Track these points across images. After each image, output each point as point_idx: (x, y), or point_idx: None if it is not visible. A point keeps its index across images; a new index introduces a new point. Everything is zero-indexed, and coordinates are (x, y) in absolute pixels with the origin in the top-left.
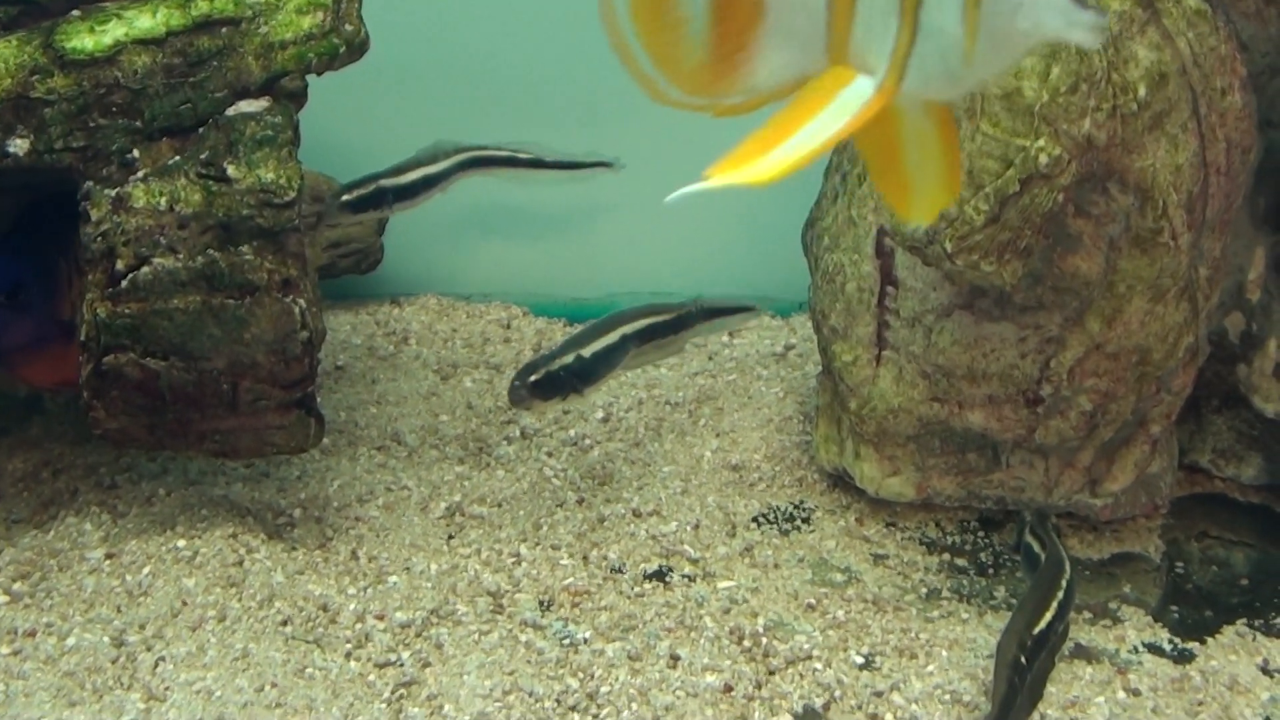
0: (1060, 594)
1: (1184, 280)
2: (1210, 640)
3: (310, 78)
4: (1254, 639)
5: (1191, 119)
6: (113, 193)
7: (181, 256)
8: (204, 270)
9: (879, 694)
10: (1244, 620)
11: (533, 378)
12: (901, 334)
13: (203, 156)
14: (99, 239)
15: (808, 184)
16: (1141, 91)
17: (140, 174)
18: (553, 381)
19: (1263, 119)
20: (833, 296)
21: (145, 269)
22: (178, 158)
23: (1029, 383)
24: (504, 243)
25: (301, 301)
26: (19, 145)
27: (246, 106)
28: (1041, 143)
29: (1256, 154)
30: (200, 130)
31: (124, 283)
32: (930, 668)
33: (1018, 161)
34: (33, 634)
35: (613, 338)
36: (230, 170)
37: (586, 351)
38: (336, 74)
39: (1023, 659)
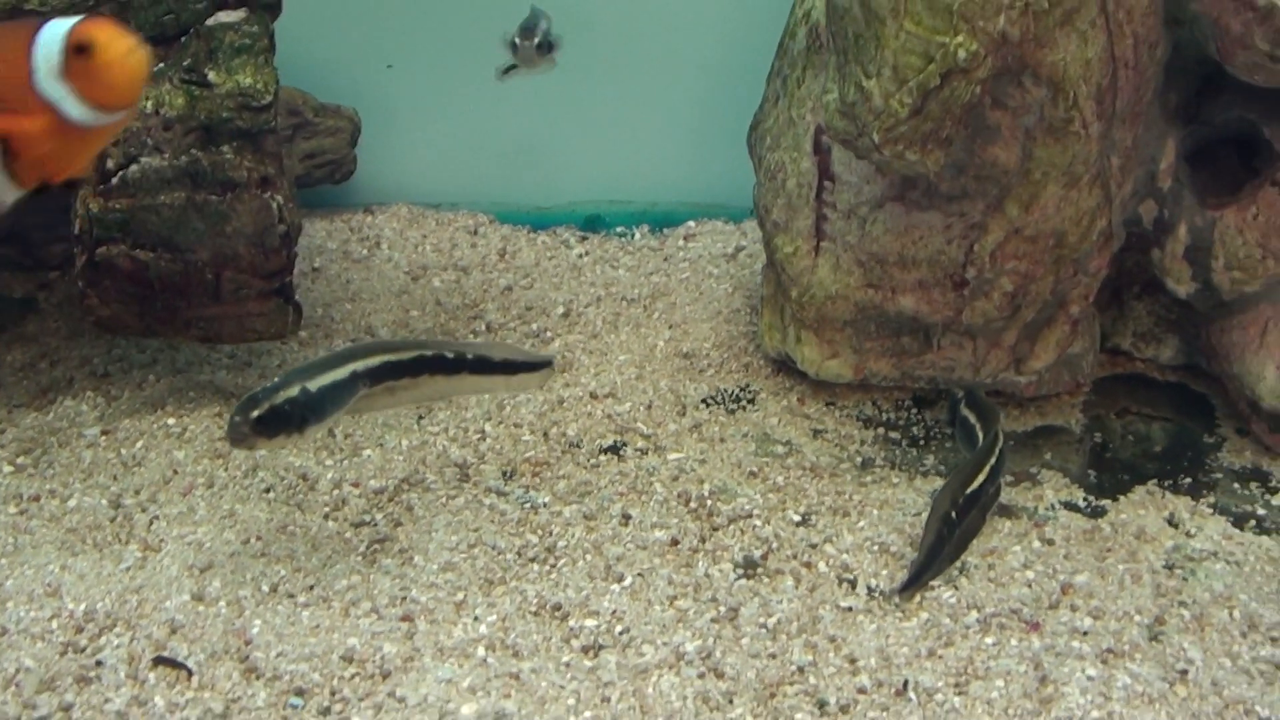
0: (993, 460)
1: (1096, 167)
2: (1122, 498)
3: None
4: (1162, 497)
5: (1100, 16)
6: None
7: (167, 156)
8: (188, 168)
9: (813, 546)
10: (1155, 481)
11: (255, 413)
12: (838, 225)
13: (185, 63)
14: None
15: (756, 94)
16: None
17: None
18: (277, 416)
19: (1170, 16)
20: (774, 192)
21: (134, 167)
22: (162, 65)
23: (955, 267)
24: (471, 154)
25: (279, 197)
26: None
27: (225, 16)
28: (960, 39)
29: (1164, 49)
30: (182, 39)
31: (114, 180)
32: (861, 524)
33: (938, 57)
34: (37, 498)
35: (341, 373)
36: (211, 76)
37: (312, 384)
38: None
39: (953, 514)
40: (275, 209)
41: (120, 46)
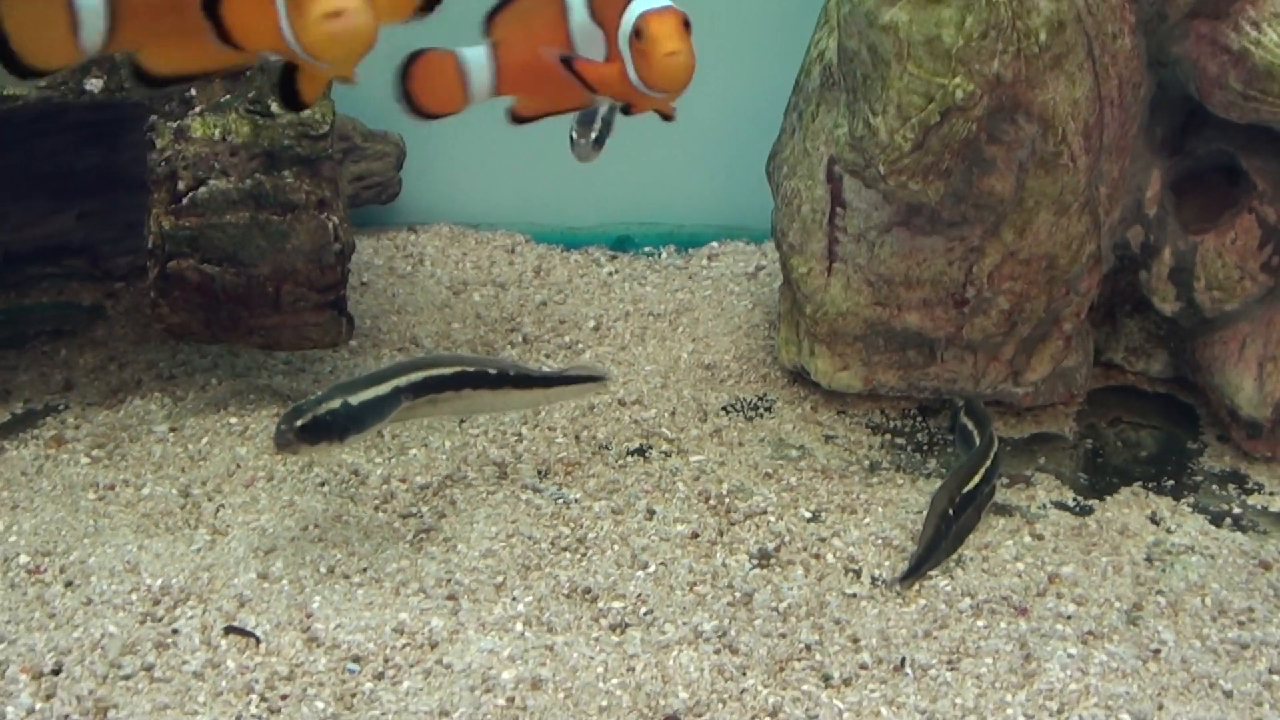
0: (988, 463)
1: (1084, 196)
2: (1109, 498)
3: None
4: (1147, 497)
5: (1087, 60)
6: (174, 125)
7: (233, 179)
8: (252, 191)
9: (823, 539)
10: (1140, 483)
11: (299, 422)
12: (849, 248)
13: (250, 95)
14: (163, 163)
15: (775, 126)
16: (1042, 36)
17: (197, 109)
18: (320, 426)
19: (1152, 59)
20: (790, 217)
21: (202, 189)
22: (229, 96)
23: (956, 286)
24: (508, 178)
25: (334, 218)
26: (93, 85)
27: None
28: (958, 80)
29: (1148, 88)
30: (248, 73)
31: (184, 200)
32: (867, 520)
33: (938, 97)
34: (112, 487)
35: (384, 389)
36: (273, 107)
37: (354, 399)
38: None
39: (950, 511)
40: (331, 229)
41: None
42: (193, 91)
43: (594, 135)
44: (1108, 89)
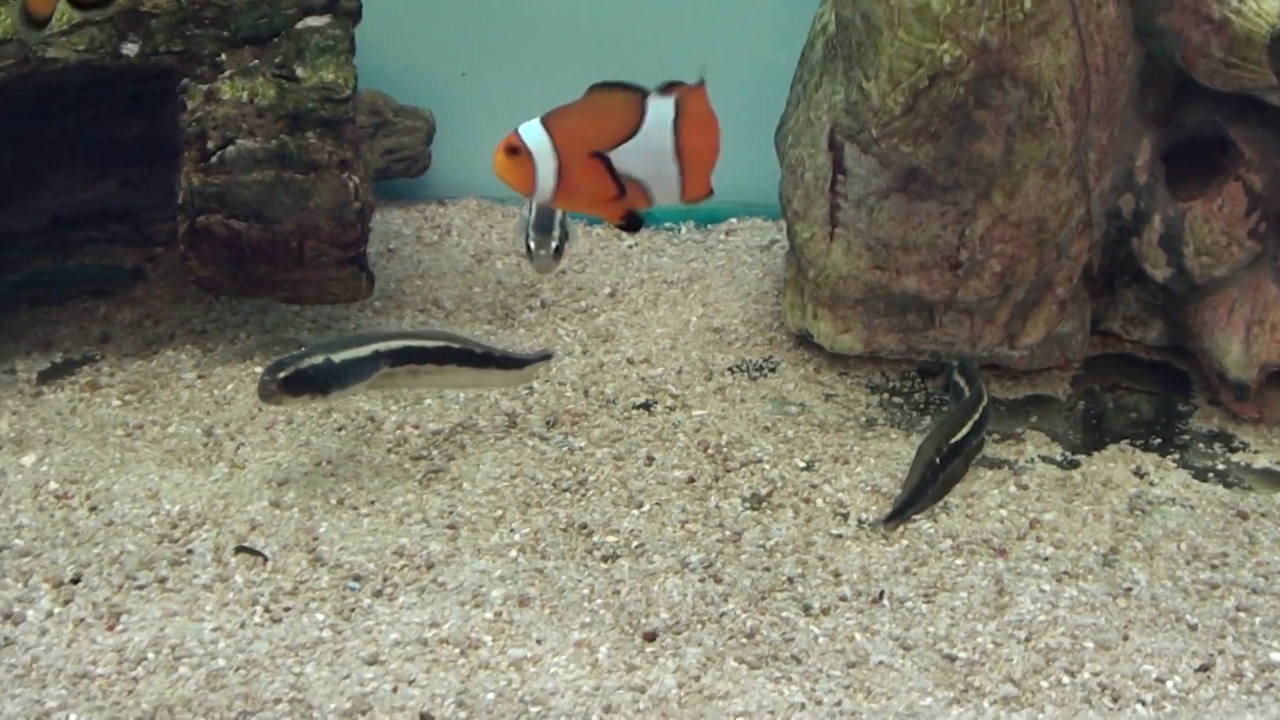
0: (976, 416)
1: (1072, 161)
2: (1096, 454)
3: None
4: (1133, 453)
5: (1072, 27)
6: (205, 88)
7: (259, 139)
8: (277, 150)
9: (814, 486)
10: (1128, 440)
11: (282, 374)
12: (849, 214)
13: (276, 60)
14: (193, 124)
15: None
16: (1028, 4)
17: (227, 74)
18: (302, 379)
19: (1141, 29)
20: (795, 184)
21: (230, 148)
22: (256, 61)
23: (950, 250)
24: None
25: (355, 178)
26: (130, 49)
27: (312, 21)
28: (945, 46)
29: (1135, 58)
30: (275, 40)
31: (213, 159)
32: (858, 469)
33: (927, 62)
34: (140, 426)
35: (364, 351)
36: (298, 71)
37: (336, 357)
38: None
39: (937, 460)
40: (352, 188)
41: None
42: (223, 57)
43: (554, 245)
44: (1093, 56)
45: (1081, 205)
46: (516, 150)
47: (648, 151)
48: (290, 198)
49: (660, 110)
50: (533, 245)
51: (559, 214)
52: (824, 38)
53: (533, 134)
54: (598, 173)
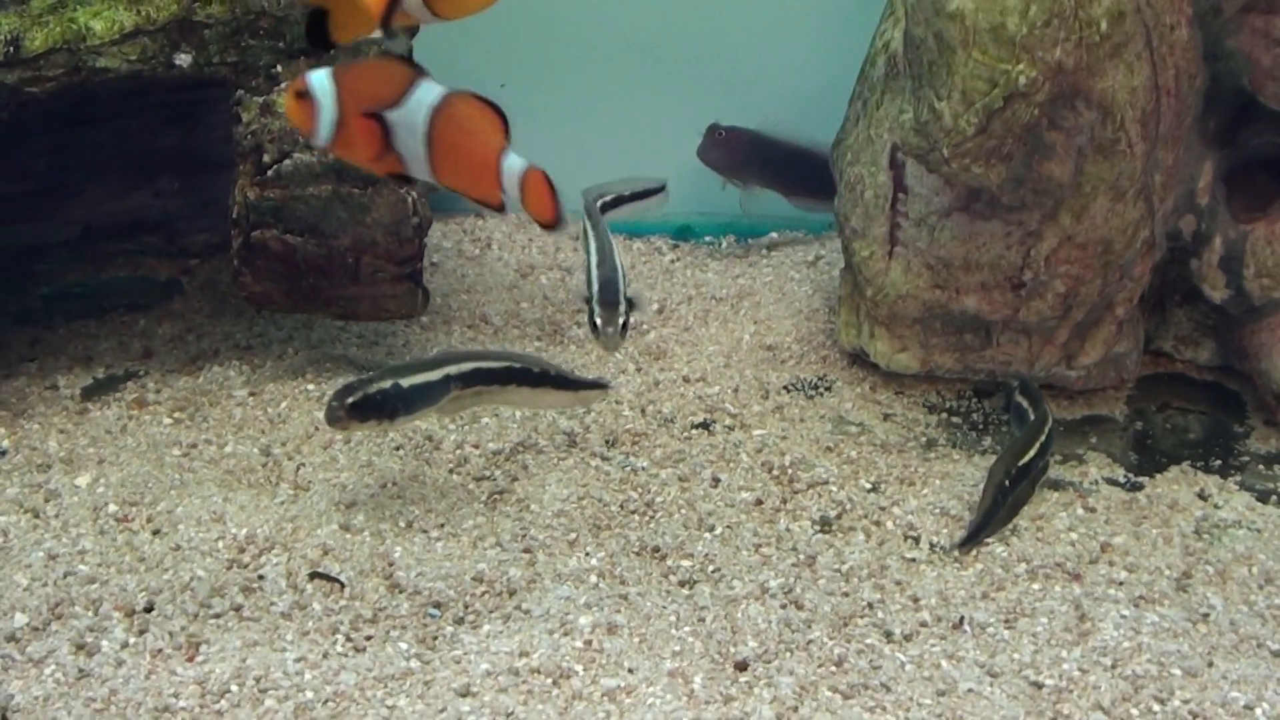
0: (1043, 438)
1: (1140, 183)
2: (1158, 476)
3: None
4: (1195, 475)
5: (1145, 49)
6: (260, 100)
7: (316, 153)
8: (334, 164)
9: (882, 508)
10: (1188, 462)
11: (350, 399)
12: (910, 232)
13: None
14: (249, 136)
15: (835, 117)
16: (1103, 26)
17: (283, 85)
18: (369, 404)
19: (1208, 52)
20: (854, 203)
21: (287, 162)
22: None
23: (1013, 270)
24: (573, 168)
25: (413, 193)
26: (183, 59)
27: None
28: (1021, 67)
29: (1203, 80)
30: (331, 51)
31: (269, 173)
32: (925, 491)
33: (1002, 82)
34: (195, 445)
35: (435, 375)
36: None
37: (405, 381)
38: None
39: (1007, 482)
40: (410, 203)
41: None
42: (279, 68)
43: (621, 320)
44: (1165, 79)
45: (1147, 227)
46: (304, 94)
47: (405, 126)
48: (347, 212)
49: (426, 93)
50: (599, 322)
51: (622, 281)
52: (886, 55)
53: (321, 83)
54: (369, 131)
